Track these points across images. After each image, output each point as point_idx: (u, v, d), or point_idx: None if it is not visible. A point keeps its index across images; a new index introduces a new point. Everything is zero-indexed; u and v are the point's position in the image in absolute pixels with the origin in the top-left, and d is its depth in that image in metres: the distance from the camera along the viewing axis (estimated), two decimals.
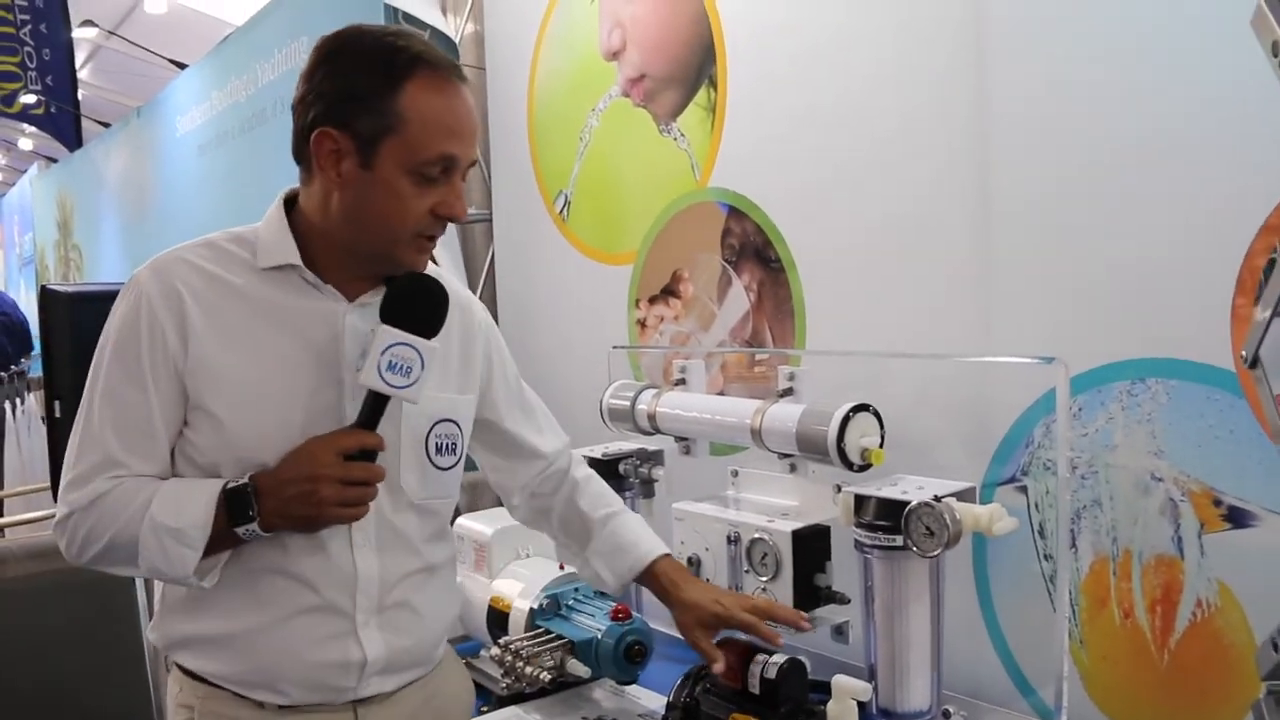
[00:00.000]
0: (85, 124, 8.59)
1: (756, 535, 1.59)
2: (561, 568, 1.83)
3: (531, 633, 1.74)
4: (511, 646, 1.67)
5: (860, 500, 1.47)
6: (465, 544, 1.96)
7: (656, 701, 1.67)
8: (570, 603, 1.80)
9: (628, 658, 1.66)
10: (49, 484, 2.76)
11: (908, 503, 1.40)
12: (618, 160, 2.39)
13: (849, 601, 1.55)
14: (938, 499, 1.39)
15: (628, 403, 1.92)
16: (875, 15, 1.77)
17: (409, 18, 2.77)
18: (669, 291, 2.27)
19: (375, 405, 1.22)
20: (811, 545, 1.56)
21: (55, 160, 9.76)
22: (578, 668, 1.65)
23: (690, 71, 2.16)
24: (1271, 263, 1.28)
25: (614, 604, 1.70)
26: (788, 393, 1.66)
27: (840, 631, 1.58)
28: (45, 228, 8.88)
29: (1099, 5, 1.46)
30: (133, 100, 8.04)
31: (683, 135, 2.19)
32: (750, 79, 2.03)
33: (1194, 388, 1.38)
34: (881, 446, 1.52)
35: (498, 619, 1.85)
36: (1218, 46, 1.32)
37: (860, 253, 1.82)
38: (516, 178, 2.72)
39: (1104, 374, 1.48)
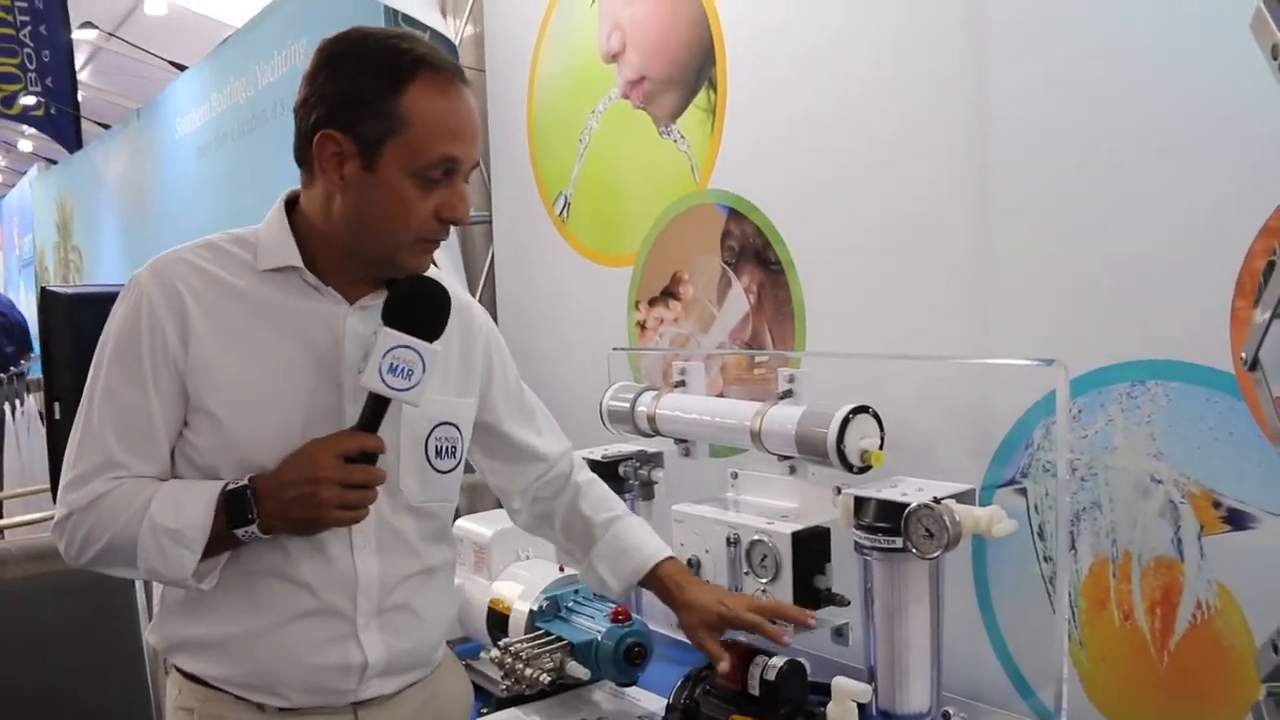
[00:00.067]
0: (85, 125, 8.58)
1: (756, 537, 1.59)
2: (561, 570, 1.83)
3: (531, 635, 1.74)
4: (511, 648, 1.67)
5: (860, 502, 1.47)
6: (465, 546, 1.96)
7: (656, 703, 1.66)
8: (570, 605, 1.80)
9: (627, 659, 1.66)
10: (48, 485, 2.76)
11: (907, 505, 1.40)
12: (617, 162, 2.39)
13: (849, 603, 1.55)
14: (937, 501, 1.39)
15: (627, 405, 1.92)
16: (875, 16, 1.77)
17: (409, 19, 2.77)
18: (669, 293, 2.27)
19: (376, 408, 1.22)
20: (811, 547, 1.56)
21: (55, 162, 9.76)
22: (577, 669, 1.65)
23: (690, 73, 2.16)
24: (1271, 265, 1.28)
25: (614, 606, 1.70)
26: (787, 395, 1.66)
27: (840, 633, 1.58)
28: (45, 229, 8.88)
29: (1099, 6, 1.46)
30: (132, 102, 8.04)
31: (682, 137, 2.19)
32: (750, 81, 2.03)
33: (1194, 390, 1.38)
34: (881, 448, 1.52)
35: (497, 621, 1.84)
36: (1218, 46, 1.32)
37: (860, 254, 1.82)
38: (516, 180, 2.72)
39: (1104, 376, 1.48)
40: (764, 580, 1.57)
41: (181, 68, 5.88)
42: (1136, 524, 1.46)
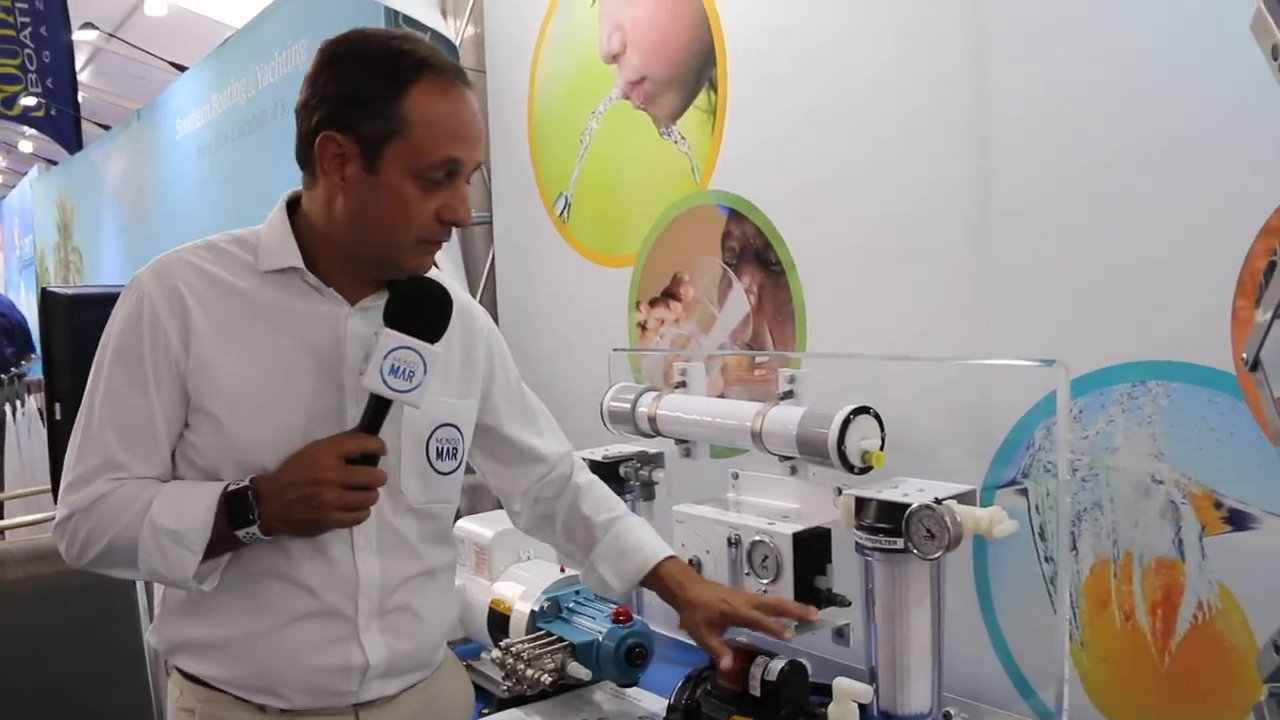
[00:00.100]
0: (85, 126, 8.58)
1: (757, 538, 1.59)
2: (562, 570, 1.84)
3: (532, 635, 1.74)
4: (512, 649, 1.67)
5: (861, 503, 1.47)
6: (466, 546, 1.96)
7: (657, 704, 1.66)
8: (571, 605, 1.80)
9: (628, 660, 1.66)
10: (49, 486, 2.76)
11: (908, 505, 1.40)
12: (618, 163, 2.39)
13: (850, 604, 1.55)
14: (938, 501, 1.39)
15: (628, 405, 1.92)
16: (875, 17, 1.77)
17: (409, 20, 2.77)
18: (669, 294, 2.27)
19: (377, 409, 1.22)
20: (812, 548, 1.56)
21: (55, 163, 9.76)
22: (578, 670, 1.65)
23: (690, 74, 2.16)
24: (1272, 265, 1.28)
25: (615, 606, 1.70)
26: (788, 395, 1.66)
27: (841, 634, 1.58)
28: (45, 230, 8.89)
29: (1099, 6, 1.46)
30: (133, 103, 8.04)
31: (683, 138, 2.19)
32: (750, 81, 2.03)
33: (1195, 390, 1.38)
34: (882, 449, 1.52)
35: (498, 621, 1.85)
36: (1218, 47, 1.32)
37: (860, 255, 1.82)
38: (517, 180, 2.73)
39: (1104, 376, 1.48)
40: (765, 581, 1.57)
41: (182, 68, 5.89)
42: (1137, 524, 1.46)
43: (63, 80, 8.13)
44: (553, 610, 1.78)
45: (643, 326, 2.35)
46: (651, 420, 1.89)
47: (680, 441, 1.88)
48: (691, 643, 1.84)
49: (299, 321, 1.26)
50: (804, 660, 1.51)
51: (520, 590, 1.84)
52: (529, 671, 1.62)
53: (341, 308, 1.27)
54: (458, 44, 2.85)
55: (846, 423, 1.51)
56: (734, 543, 1.63)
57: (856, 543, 1.49)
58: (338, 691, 1.27)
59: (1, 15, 7.79)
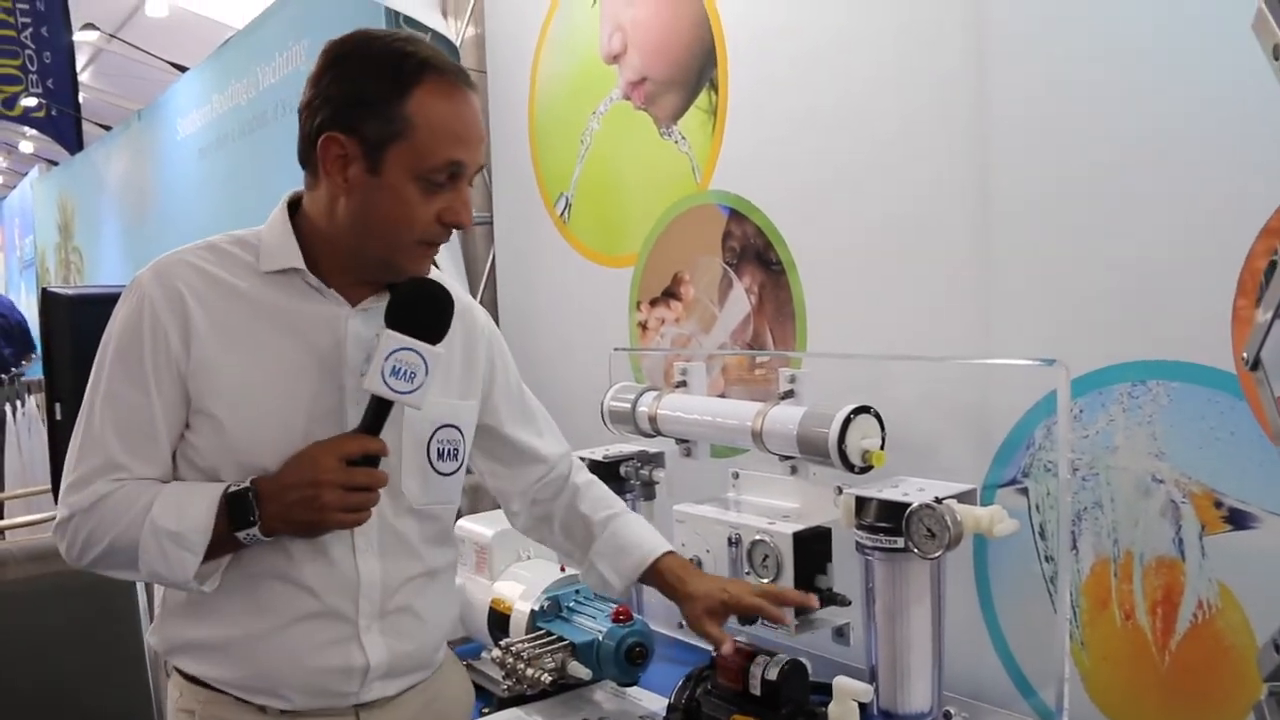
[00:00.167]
0: (86, 127, 8.59)
1: (757, 537, 1.59)
2: (562, 570, 1.84)
3: (532, 635, 1.74)
4: (512, 648, 1.67)
5: (861, 502, 1.47)
6: (466, 546, 1.96)
7: (658, 703, 1.67)
8: (571, 604, 1.80)
9: (629, 659, 1.66)
10: (49, 486, 2.76)
11: (909, 504, 1.40)
12: (619, 163, 2.40)
13: (850, 603, 1.55)
14: (939, 501, 1.39)
15: (629, 405, 1.93)
16: (876, 18, 1.77)
17: (410, 21, 2.77)
18: (670, 294, 2.27)
19: (379, 410, 1.21)
20: (812, 547, 1.57)
21: (56, 163, 9.76)
22: (579, 669, 1.65)
23: (691, 75, 2.16)
24: (1272, 265, 1.28)
25: (615, 606, 1.70)
26: (789, 395, 1.67)
27: (841, 633, 1.58)
28: (46, 230, 8.89)
29: (1099, 7, 1.46)
30: (133, 103, 8.05)
31: (683, 138, 2.19)
32: (751, 82, 2.03)
33: (1195, 390, 1.38)
34: (882, 448, 1.52)
35: (499, 621, 1.85)
36: (1218, 47, 1.32)
37: (861, 255, 1.82)
38: (517, 181, 2.73)
39: (1105, 376, 1.48)
40: (765, 580, 1.57)
41: (182, 69, 5.89)
42: (1138, 524, 1.46)
43: (63, 81, 8.14)
44: (553, 609, 1.78)
45: (643, 326, 2.35)
46: (652, 420, 1.89)
47: (681, 441, 1.89)
48: (692, 642, 1.86)
49: (300, 322, 1.26)
50: (804, 659, 1.51)
51: (520, 590, 1.84)
52: (529, 671, 1.62)
53: (342, 309, 1.27)
54: (458, 44, 2.85)
55: (847, 422, 1.51)
56: (734, 542, 1.63)
57: (857, 542, 1.49)
58: (338, 692, 1.27)
59: (2, 16, 7.79)
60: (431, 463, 1.33)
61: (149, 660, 2.10)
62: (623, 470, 1.94)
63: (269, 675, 1.25)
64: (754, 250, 2.04)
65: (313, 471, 1.18)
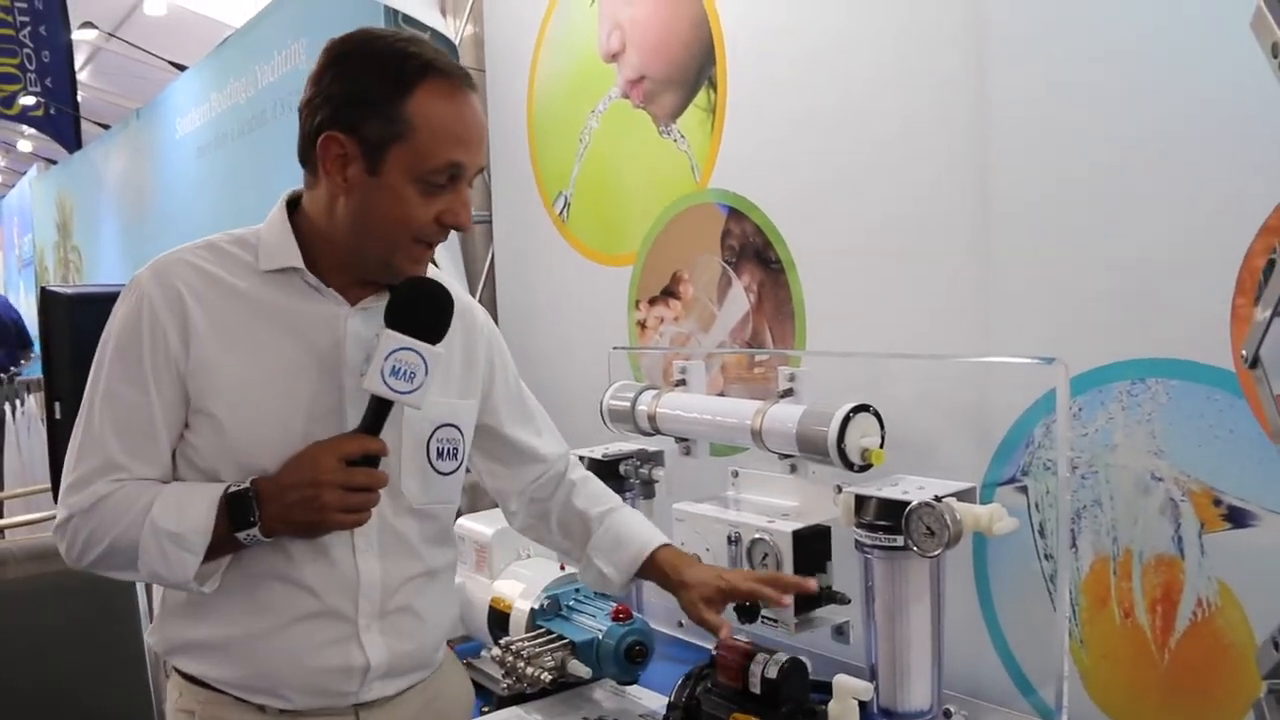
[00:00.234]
0: (85, 126, 8.59)
1: (757, 536, 1.59)
2: (562, 568, 1.84)
3: (532, 633, 1.74)
4: (512, 647, 1.68)
5: (861, 500, 1.48)
6: (466, 545, 1.97)
7: (657, 702, 1.67)
8: (571, 603, 1.80)
9: (629, 658, 1.66)
10: (49, 485, 2.76)
11: (908, 503, 1.40)
12: (617, 162, 2.39)
13: (849, 601, 1.55)
14: (938, 499, 1.39)
15: (628, 404, 1.93)
16: (875, 18, 1.77)
17: (409, 19, 2.77)
18: (669, 293, 2.27)
19: (378, 411, 1.21)
20: (812, 545, 1.57)
21: (55, 162, 9.76)
22: (579, 668, 1.65)
23: (690, 73, 2.16)
24: (1271, 263, 1.28)
25: (615, 604, 1.71)
26: (788, 393, 1.67)
27: (841, 631, 1.58)
28: (45, 229, 8.88)
29: (1099, 7, 1.46)
30: (132, 102, 8.04)
31: (682, 136, 2.19)
32: (750, 82, 2.03)
33: (1194, 388, 1.39)
34: (882, 447, 1.52)
35: (499, 619, 1.85)
36: (1218, 47, 1.32)
37: (860, 254, 1.83)
38: (516, 179, 2.73)
39: (1104, 374, 1.48)
40: None
41: (181, 68, 5.89)
42: (1137, 522, 1.46)
43: (62, 79, 8.14)
44: (553, 608, 1.78)
45: (642, 325, 2.35)
46: (651, 418, 1.89)
47: (680, 440, 1.89)
48: (692, 640, 1.86)
49: (299, 322, 1.26)
50: (804, 658, 1.51)
51: (520, 588, 1.84)
52: (529, 669, 1.63)
53: (341, 308, 1.27)
54: (457, 43, 2.85)
55: (846, 421, 1.51)
56: (734, 540, 1.63)
57: (856, 540, 1.49)
58: (338, 692, 1.27)
59: (1, 15, 7.78)
60: (431, 462, 1.33)
61: (149, 660, 2.10)
62: (622, 469, 1.94)
63: (269, 675, 1.25)
64: (753, 249, 2.04)
65: (312, 472, 1.18)
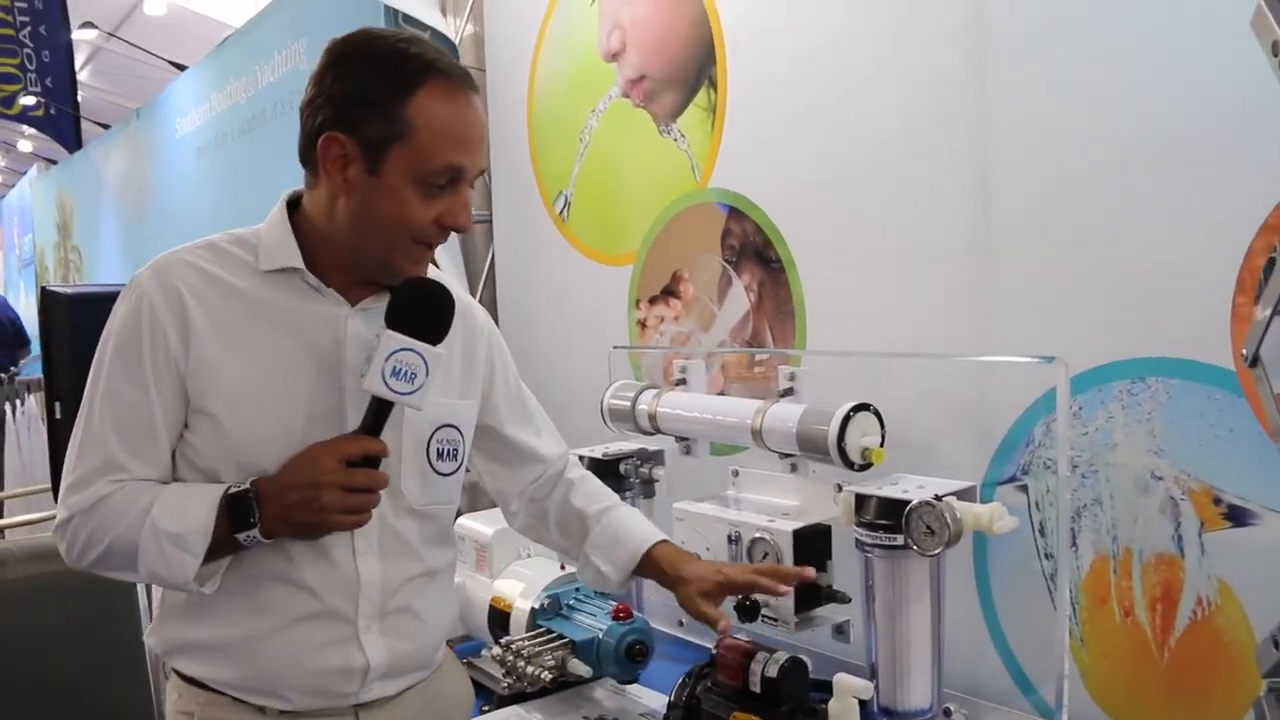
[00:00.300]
0: (85, 125, 8.59)
1: (757, 535, 1.59)
2: (563, 567, 1.84)
3: (533, 632, 1.75)
4: (513, 646, 1.68)
5: (861, 499, 1.48)
6: (466, 544, 1.97)
7: (658, 701, 1.67)
8: (571, 602, 1.80)
9: (629, 657, 1.66)
10: (49, 485, 2.76)
11: (908, 502, 1.40)
12: (618, 161, 2.40)
13: (850, 600, 1.55)
14: (938, 498, 1.40)
15: (628, 403, 1.93)
16: (876, 18, 1.77)
17: (409, 18, 2.77)
18: (669, 292, 2.27)
19: (379, 411, 1.21)
20: (812, 545, 1.57)
21: (55, 162, 9.76)
22: (579, 667, 1.65)
23: (690, 73, 2.16)
24: (1271, 262, 1.28)
25: (615, 603, 1.71)
26: (788, 393, 1.67)
27: (841, 630, 1.58)
28: (45, 229, 8.88)
29: (1099, 6, 1.46)
30: (132, 102, 8.04)
31: (683, 136, 2.19)
32: (751, 81, 2.03)
33: (1194, 387, 1.39)
34: (882, 446, 1.53)
35: (499, 619, 1.85)
36: (1218, 46, 1.32)
37: (861, 253, 1.83)
38: (516, 179, 2.73)
39: (1104, 373, 1.48)
40: None
41: (181, 68, 5.89)
42: (1137, 521, 1.47)
43: (62, 79, 8.14)
44: (553, 607, 1.78)
45: (643, 324, 2.35)
46: (651, 418, 1.89)
47: (680, 439, 1.89)
48: (692, 639, 1.86)
49: (299, 322, 1.26)
50: (804, 656, 1.51)
51: (521, 587, 1.84)
52: (529, 669, 1.63)
53: (341, 308, 1.27)
54: (457, 42, 2.85)
55: (846, 420, 1.51)
56: (734, 540, 1.63)
57: (856, 539, 1.49)
58: (338, 693, 1.27)
59: (1, 14, 7.78)
60: (431, 463, 1.33)
61: (149, 660, 2.10)
62: (622, 468, 1.94)
63: (269, 676, 1.25)
64: (753, 248, 2.04)
65: (312, 473, 1.17)
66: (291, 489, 1.17)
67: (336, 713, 1.28)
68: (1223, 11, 1.30)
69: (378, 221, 1.21)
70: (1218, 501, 1.38)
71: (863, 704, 1.42)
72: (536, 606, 1.78)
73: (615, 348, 2.26)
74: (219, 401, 1.21)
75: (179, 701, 1.30)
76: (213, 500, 1.18)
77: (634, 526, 1.51)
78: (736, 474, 1.79)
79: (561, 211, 2.58)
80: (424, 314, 1.24)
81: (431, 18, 2.82)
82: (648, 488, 1.97)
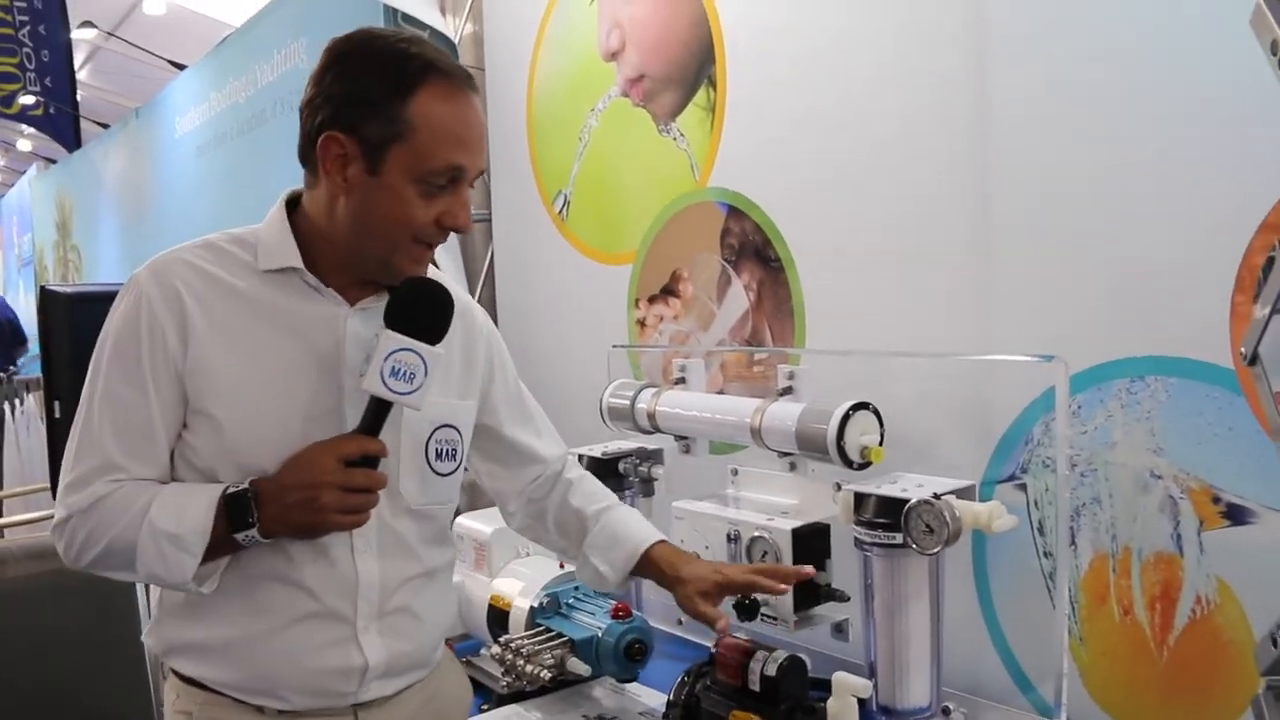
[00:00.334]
0: (84, 125, 8.58)
1: (756, 534, 1.59)
2: (561, 566, 1.84)
3: (532, 631, 1.75)
4: (512, 645, 1.68)
5: (860, 498, 1.48)
6: (465, 543, 1.97)
7: (657, 699, 1.67)
8: (570, 601, 1.80)
9: (628, 656, 1.66)
10: (49, 484, 2.76)
11: (907, 500, 1.40)
12: (617, 160, 2.40)
13: (849, 599, 1.55)
14: (937, 496, 1.40)
15: (627, 402, 1.93)
16: (876, 18, 1.77)
17: (408, 18, 2.77)
18: (668, 291, 2.27)
19: (378, 411, 1.21)
20: (811, 543, 1.57)
21: (54, 161, 9.75)
22: (578, 666, 1.65)
23: (689, 72, 2.16)
24: (1270, 260, 1.28)
25: (614, 602, 1.71)
26: (787, 391, 1.67)
27: (840, 629, 1.58)
28: (44, 229, 8.87)
29: (1099, 6, 1.46)
30: (131, 101, 8.04)
31: (682, 135, 2.19)
32: (750, 80, 2.03)
33: (1193, 385, 1.39)
34: (881, 444, 1.53)
35: (498, 618, 1.85)
36: (1217, 46, 1.32)
37: (860, 252, 1.83)
38: (516, 178, 2.73)
39: (1103, 372, 1.48)
40: None
41: (181, 67, 5.88)
42: (1136, 519, 1.47)
43: (61, 79, 8.13)
44: (552, 606, 1.78)
45: (642, 323, 2.35)
46: (651, 417, 1.89)
47: (679, 438, 1.89)
48: (691, 638, 1.86)
49: (298, 322, 1.25)
50: (803, 655, 1.51)
51: (520, 586, 1.84)
52: (528, 667, 1.63)
53: (341, 308, 1.27)
54: (456, 41, 2.85)
55: (845, 418, 1.51)
56: (733, 539, 1.63)
57: (855, 538, 1.49)
58: (337, 692, 1.27)
59: (0, 14, 7.78)
60: (430, 463, 1.32)
61: (149, 659, 2.10)
62: (621, 467, 1.94)
63: (267, 676, 1.24)
64: (752, 247, 2.04)
65: (311, 473, 1.17)
66: (290, 489, 1.17)
67: (335, 712, 1.28)
68: (1222, 11, 1.30)
69: (377, 221, 1.21)
70: (1216, 500, 1.38)
71: (861, 703, 1.42)
72: (535, 605, 1.78)
73: (614, 347, 2.27)
74: (217, 402, 1.21)
75: (177, 702, 1.29)
76: (211, 500, 1.18)
77: (632, 527, 1.51)
78: (735, 473, 1.79)
79: (561, 211, 2.58)
80: (423, 314, 1.23)
81: (430, 17, 2.82)
82: (647, 486, 1.97)
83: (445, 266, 2.66)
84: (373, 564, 1.28)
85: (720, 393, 2.09)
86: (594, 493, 1.56)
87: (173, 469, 1.24)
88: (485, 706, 1.73)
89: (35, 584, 2.02)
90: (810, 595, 1.55)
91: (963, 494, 1.45)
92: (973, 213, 1.63)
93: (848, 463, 1.51)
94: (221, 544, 1.18)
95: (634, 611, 1.72)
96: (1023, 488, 1.59)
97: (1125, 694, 1.51)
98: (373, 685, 1.29)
